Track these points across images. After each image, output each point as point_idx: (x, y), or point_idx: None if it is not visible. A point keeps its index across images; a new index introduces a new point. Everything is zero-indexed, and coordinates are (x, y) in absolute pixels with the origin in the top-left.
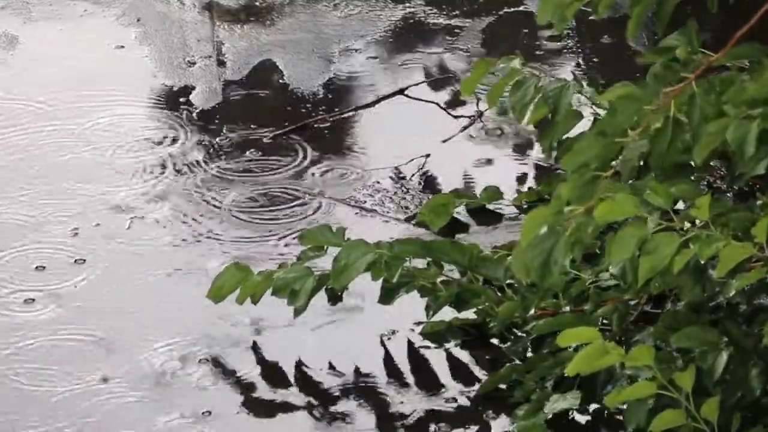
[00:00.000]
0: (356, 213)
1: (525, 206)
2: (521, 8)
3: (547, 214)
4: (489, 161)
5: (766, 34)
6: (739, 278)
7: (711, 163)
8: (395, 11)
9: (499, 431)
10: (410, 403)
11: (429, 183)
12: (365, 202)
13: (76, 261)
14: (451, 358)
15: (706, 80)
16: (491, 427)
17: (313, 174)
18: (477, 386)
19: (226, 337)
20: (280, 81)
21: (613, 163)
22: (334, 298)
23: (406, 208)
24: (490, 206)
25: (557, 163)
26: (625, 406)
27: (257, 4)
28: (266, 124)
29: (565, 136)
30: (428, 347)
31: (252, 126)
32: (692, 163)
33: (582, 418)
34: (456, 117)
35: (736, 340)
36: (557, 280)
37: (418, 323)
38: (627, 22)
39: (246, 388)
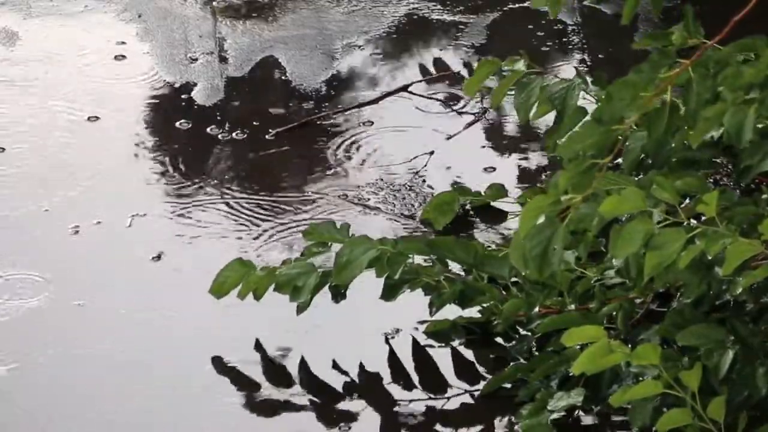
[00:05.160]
0: (360, 210)
1: None
2: (525, 4)
3: (544, 204)
4: (493, 158)
5: (765, 18)
6: (746, 276)
7: (717, 160)
8: (399, 7)
9: (504, 430)
10: (414, 401)
11: (433, 180)
12: (369, 199)
13: None
14: (455, 357)
15: (702, 63)
16: (495, 427)
17: (316, 171)
18: (481, 385)
19: (227, 335)
20: (283, 77)
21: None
22: (338, 295)
23: (410, 205)
24: (495, 204)
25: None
26: (630, 406)
27: None
28: (269, 120)
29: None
30: (432, 346)
31: (254, 123)
32: (698, 159)
33: (587, 418)
34: (460, 114)
35: (742, 338)
36: (557, 270)
37: (422, 322)
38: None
39: (249, 386)
